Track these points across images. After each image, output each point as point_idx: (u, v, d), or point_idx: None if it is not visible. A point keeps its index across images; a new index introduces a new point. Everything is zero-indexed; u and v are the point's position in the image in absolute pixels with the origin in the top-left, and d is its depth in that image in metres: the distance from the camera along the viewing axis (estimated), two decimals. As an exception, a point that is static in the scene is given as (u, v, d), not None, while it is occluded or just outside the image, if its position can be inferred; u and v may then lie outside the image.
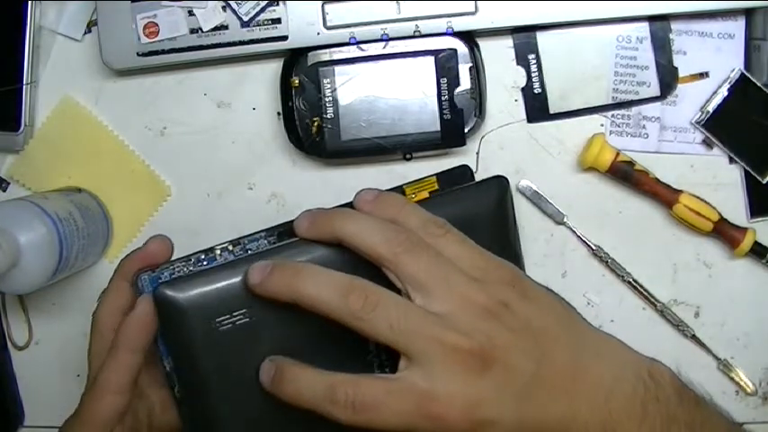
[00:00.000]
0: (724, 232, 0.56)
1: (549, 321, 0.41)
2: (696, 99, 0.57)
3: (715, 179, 0.57)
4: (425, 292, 0.39)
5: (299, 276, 0.40)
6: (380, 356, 0.46)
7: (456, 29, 0.53)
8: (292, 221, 0.45)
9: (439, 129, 0.54)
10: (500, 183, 0.49)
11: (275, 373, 0.41)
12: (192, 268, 0.45)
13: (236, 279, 0.43)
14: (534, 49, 0.56)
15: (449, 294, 0.39)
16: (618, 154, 0.55)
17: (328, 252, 0.44)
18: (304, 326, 0.44)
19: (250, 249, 0.46)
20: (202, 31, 0.53)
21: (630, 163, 0.56)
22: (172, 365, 0.44)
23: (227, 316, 0.43)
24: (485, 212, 0.48)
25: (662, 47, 0.56)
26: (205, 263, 0.45)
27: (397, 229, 0.41)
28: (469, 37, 0.54)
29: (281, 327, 0.44)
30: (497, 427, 0.38)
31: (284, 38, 0.54)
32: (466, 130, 0.54)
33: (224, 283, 0.43)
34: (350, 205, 0.46)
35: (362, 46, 0.54)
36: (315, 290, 0.39)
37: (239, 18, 0.53)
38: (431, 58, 0.54)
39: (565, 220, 0.58)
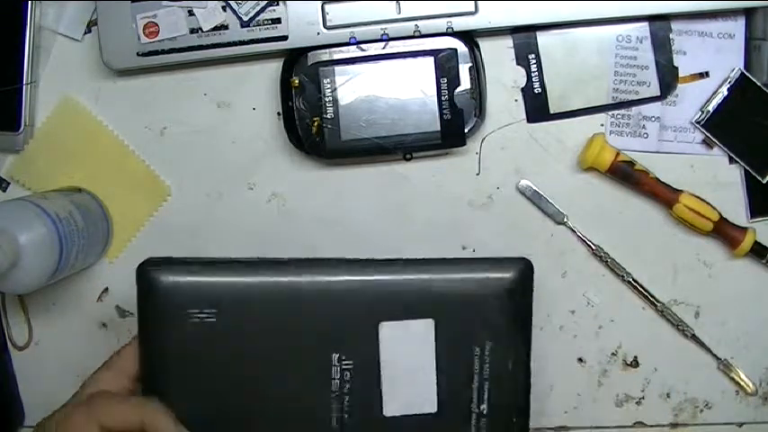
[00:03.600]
0: (724, 232, 0.56)
1: None
2: (696, 99, 0.57)
3: (715, 179, 0.57)
4: None
5: None
6: (342, 399, 0.46)
7: (456, 29, 0.53)
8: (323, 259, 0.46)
9: (439, 129, 0.54)
10: (524, 265, 0.48)
11: None
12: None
13: (218, 278, 0.44)
14: (534, 49, 0.56)
15: None
16: (618, 154, 0.55)
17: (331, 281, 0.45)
18: (269, 347, 0.45)
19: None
20: (202, 31, 0.53)
21: (630, 163, 0.56)
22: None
23: (197, 310, 0.44)
24: (500, 295, 0.48)
25: (662, 47, 0.56)
26: None
27: None
28: (469, 37, 0.54)
29: (247, 340, 0.45)
30: None
31: (284, 38, 0.54)
32: (466, 130, 0.54)
33: (205, 278, 0.44)
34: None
35: (362, 46, 0.54)
36: None
37: (239, 18, 0.53)
38: (431, 58, 0.54)
39: (565, 220, 0.58)
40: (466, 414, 0.48)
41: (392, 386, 0.47)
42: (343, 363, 0.46)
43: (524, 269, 0.48)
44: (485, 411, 0.48)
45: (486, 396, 0.48)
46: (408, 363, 0.47)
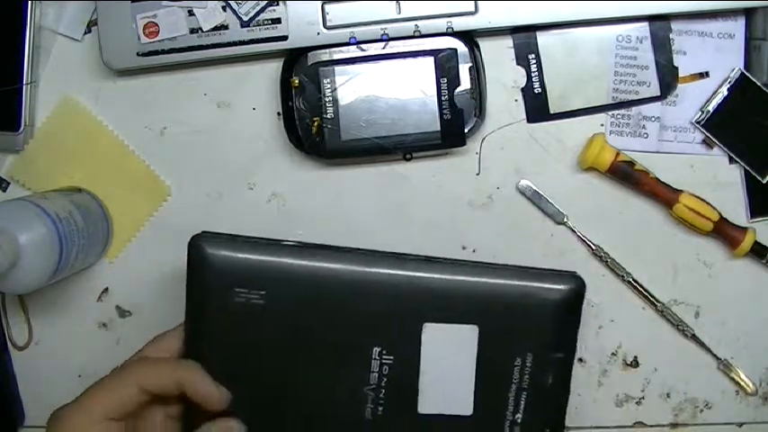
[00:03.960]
0: (724, 232, 0.56)
1: None
2: (696, 99, 0.57)
3: (715, 179, 0.57)
4: None
5: None
6: (378, 392, 0.46)
7: (456, 29, 0.53)
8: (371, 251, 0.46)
9: (439, 129, 0.54)
10: (577, 281, 0.48)
11: None
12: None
13: (269, 258, 0.44)
14: (534, 49, 0.56)
15: None
16: (618, 154, 0.55)
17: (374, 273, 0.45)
18: (312, 334, 0.45)
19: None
20: (202, 31, 0.53)
21: (630, 163, 0.56)
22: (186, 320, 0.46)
23: (246, 290, 0.44)
24: (549, 308, 0.48)
25: (662, 47, 0.56)
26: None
27: None
28: (469, 37, 0.54)
29: (290, 326, 0.45)
30: None
31: (284, 38, 0.54)
32: (466, 130, 0.54)
33: (256, 257, 0.45)
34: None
35: (362, 46, 0.54)
36: None
37: (239, 18, 0.53)
38: (431, 58, 0.54)
39: (565, 220, 0.58)
40: (500, 421, 0.49)
41: (429, 385, 0.47)
42: (384, 357, 0.46)
43: (577, 285, 0.48)
44: (519, 420, 0.49)
45: (522, 406, 0.49)
46: (448, 365, 0.47)
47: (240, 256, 0.45)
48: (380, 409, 0.47)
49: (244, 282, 0.45)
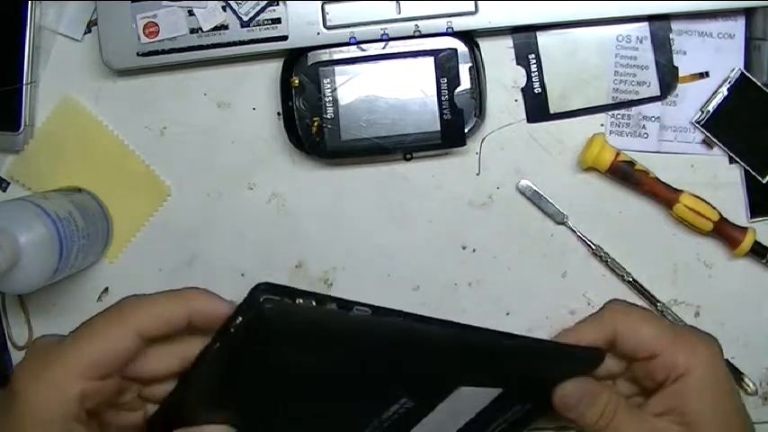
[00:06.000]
0: (724, 232, 0.56)
1: None
2: (696, 99, 0.57)
3: (715, 179, 0.57)
4: None
5: None
6: (383, 423, 0.46)
7: (456, 29, 0.53)
8: (432, 319, 0.42)
9: (439, 129, 0.54)
10: (600, 357, 0.49)
11: None
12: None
13: (331, 323, 0.39)
14: (534, 49, 0.56)
15: None
16: (618, 154, 0.55)
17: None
18: (346, 383, 0.43)
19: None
20: (202, 31, 0.53)
21: (630, 163, 0.56)
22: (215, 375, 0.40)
23: (299, 350, 0.40)
24: (567, 376, 0.48)
25: (662, 47, 0.56)
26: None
27: None
28: (469, 37, 0.54)
29: (328, 376, 0.42)
30: None
31: (284, 38, 0.54)
32: (466, 130, 0.54)
33: (317, 322, 0.39)
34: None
35: (362, 46, 0.54)
36: None
37: (239, 18, 0.53)
38: (431, 58, 0.54)
39: (565, 220, 0.58)
40: None
41: (426, 424, 0.48)
42: (405, 404, 0.46)
43: (597, 360, 0.49)
44: None
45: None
46: (456, 414, 0.48)
47: (303, 318, 0.39)
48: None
49: (299, 344, 0.39)
